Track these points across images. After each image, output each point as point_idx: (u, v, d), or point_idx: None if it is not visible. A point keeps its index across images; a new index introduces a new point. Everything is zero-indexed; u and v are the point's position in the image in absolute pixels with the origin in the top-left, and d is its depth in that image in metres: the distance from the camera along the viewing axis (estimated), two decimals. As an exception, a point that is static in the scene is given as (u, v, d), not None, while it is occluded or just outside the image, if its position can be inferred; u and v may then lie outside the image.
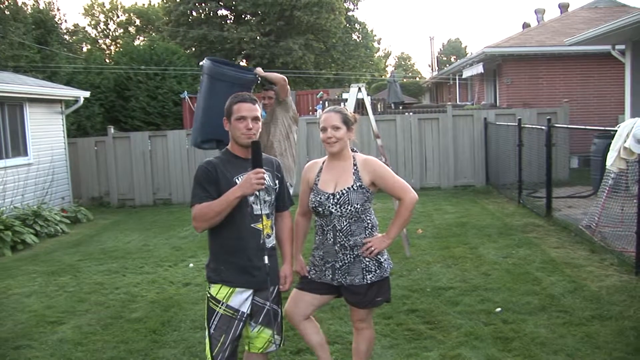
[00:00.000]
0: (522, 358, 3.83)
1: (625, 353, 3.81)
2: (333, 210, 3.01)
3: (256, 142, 2.77)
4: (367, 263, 3.05)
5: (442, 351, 3.99)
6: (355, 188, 3.02)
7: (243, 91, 5.15)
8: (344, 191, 3.01)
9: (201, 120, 5.13)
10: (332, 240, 3.06)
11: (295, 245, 3.22)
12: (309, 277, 3.18)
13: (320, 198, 3.05)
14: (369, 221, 3.09)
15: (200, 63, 5.35)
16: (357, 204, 3.00)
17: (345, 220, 3.02)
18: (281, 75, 5.45)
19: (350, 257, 3.05)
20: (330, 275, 3.09)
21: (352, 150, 3.19)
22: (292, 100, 5.75)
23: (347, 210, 3.00)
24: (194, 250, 7.66)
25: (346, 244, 3.03)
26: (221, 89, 5.08)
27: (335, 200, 3.01)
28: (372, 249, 3.03)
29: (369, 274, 3.05)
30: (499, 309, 4.72)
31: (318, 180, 3.12)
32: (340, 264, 3.06)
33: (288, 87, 5.55)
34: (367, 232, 3.07)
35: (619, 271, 5.62)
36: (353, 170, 3.07)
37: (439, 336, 4.26)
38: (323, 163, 3.18)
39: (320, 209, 3.05)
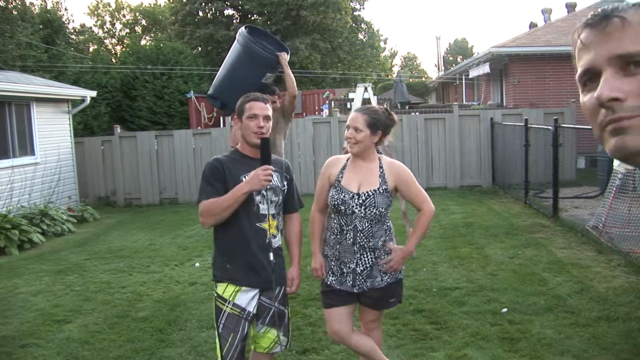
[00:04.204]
0: (528, 359, 3.81)
1: (633, 354, 3.79)
2: (356, 210, 2.94)
3: (266, 139, 2.77)
4: (384, 265, 3.03)
5: (448, 351, 3.98)
6: (382, 191, 2.95)
7: (268, 72, 5.25)
8: (370, 193, 2.94)
9: (220, 80, 5.46)
10: (351, 240, 2.98)
11: (314, 242, 3.13)
12: (327, 282, 3.08)
13: (344, 197, 2.96)
14: (388, 223, 3.06)
15: (240, 30, 5.38)
16: (382, 208, 2.95)
17: (367, 222, 2.96)
18: (295, 89, 5.20)
19: (370, 260, 3.00)
20: (351, 282, 3.02)
21: (377, 152, 3.12)
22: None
23: (372, 213, 2.93)
24: (200, 249, 7.67)
25: (365, 245, 2.98)
26: (247, 64, 5.24)
27: (361, 201, 2.94)
28: (393, 264, 2.99)
29: (385, 275, 3.03)
30: (505, 310, 4.70)
31: (341, 177, 3.03)
32: (362, 268, 2.99)
33: (295, 104, 5.51)
34: (387, 234, 3.03)
35: (626, 272, 5.59)
36: (379, 173, 3.01)
37: (445, 336, 4.25)
38: (347, 160, 3.09)
39: (342, 207, 2.96)
